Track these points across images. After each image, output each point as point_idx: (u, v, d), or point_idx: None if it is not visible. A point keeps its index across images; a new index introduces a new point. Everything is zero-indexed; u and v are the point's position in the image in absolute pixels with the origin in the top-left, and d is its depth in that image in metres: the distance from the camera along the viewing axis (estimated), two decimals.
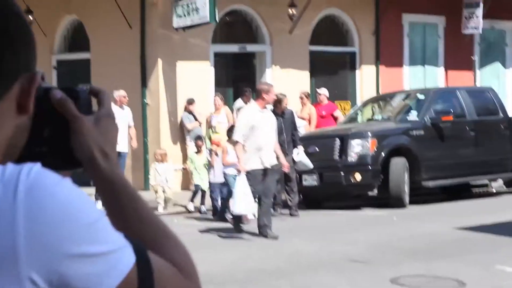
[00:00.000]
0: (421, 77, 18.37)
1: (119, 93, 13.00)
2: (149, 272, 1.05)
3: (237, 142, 9.33)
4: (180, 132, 14.85)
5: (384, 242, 9.28)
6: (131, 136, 13.29)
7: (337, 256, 8.36)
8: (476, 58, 18.78)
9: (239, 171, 9.44)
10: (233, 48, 15.97)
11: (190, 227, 10.95)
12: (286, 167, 10.13)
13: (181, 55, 14.90)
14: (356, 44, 17.57)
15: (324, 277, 7.37)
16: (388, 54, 17.76)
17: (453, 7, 18.28)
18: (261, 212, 9.47)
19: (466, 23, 18.32)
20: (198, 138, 13.13)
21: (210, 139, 13.43)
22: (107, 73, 15.44)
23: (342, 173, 12.15)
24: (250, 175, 9.21)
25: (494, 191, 13.61)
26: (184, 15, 14.09)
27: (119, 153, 11.47)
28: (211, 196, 11.80)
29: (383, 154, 12.29)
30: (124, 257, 1.02)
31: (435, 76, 18.65)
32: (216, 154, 11.70)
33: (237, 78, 16.42)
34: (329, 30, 17.42)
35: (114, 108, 11.16)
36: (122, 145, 12.19)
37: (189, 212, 12.46)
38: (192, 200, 12.59)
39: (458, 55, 18.66)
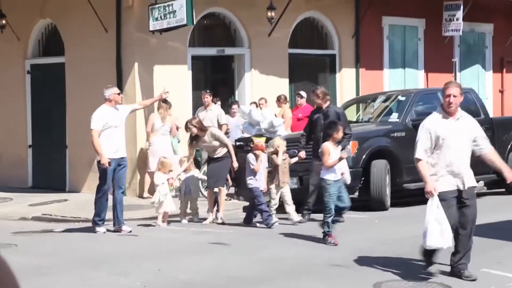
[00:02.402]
0: (401, 80, 18.26)
1: (113, 91, 11.03)
2: None
3: (419, 159, 7.27)
4: None
5: (366, 246, 9.10)
6: None
7: (319, 261, 8.15)
8: (456, 60, 18.69)
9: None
10: (211, 51, 15.74)
11: (175, 234, 10.69)
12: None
13: (158, 59, 14.65)
14: (335, 47, 17.41)
15: (306, 283, 7.15)
16: (368, 57, 17.62)
17: (433, 10, 18.20)
18: (459, 245, 7.32)
19: (446, 26, 18.26)
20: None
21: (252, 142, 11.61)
22: (82, 78, 15.18)
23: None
24: (444, 199, 7.17)
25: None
26: (161, 18, 13.84)
27: (122, 159, 10.78)
28: (256, 204, 10.77)
29: (364, 156, 12.12)
30: None
31: (415, 79, 18.54)
32: (261, 160, 10.86)
33: (216, 82, 16.20)
34: (309, 33, 17.26)
35: (106, 110, 10.45)
36: (123, 150, 10.89)
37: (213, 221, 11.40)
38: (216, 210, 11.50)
39: (438, 57, 18.57)
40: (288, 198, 11.14)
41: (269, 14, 15.53)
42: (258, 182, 10.81)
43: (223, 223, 11.15)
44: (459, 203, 7.26)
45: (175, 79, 14.70)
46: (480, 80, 20.03)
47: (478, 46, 20.11)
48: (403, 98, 13.51)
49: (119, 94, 11.34)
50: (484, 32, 20.12)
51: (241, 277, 7.44)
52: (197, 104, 15.36)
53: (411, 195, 13.40)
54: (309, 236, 9.98)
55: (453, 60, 18.60)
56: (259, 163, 10.79)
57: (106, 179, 10.60)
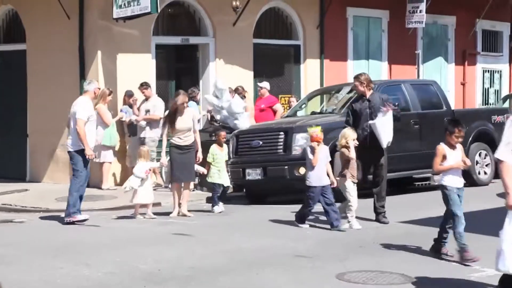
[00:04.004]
0: (365, 71, 18.27)
1: (96, 85, 11.24)
2: None
3: (501, 161, 5.87)
4: (119, 126, 14.45)
5: (329, 236, 9.14)
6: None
7: (282, 252, 8.16)
8: (419, 52, 18.85)
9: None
10: (175, 40, 15.63)
11: (139, 224, 10.62)
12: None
13: (122, 47, 14.51)
14: (300, 37, 17.42)
15: (269, 274, 7.15)
16: (332, 48, 17.67)
17: (397, 1, 18.32)
18: None
19: (409, 18, 18.40)
20: (223, 129, 12.01)
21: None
22: (44, 65, 14.97)
23: (286, 167, 11.96)
24: None
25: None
26: (125, 6, 13.70)
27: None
28: (307, 202, 9.70)
29: (328, 147, 12.11)
30: None
31: (379, 70, 18.65)
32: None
33: (180, 71, 16.11)
34: (273, 23, 17.24)
35: (89, 102, 10.51)
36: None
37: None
38: (214, 202, 11.40)
39: (402, 49, 18.70)
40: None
41: (234, 3, 15.49)
42: (317, 178, 9.58)
43: (184, 215, 11.08)
44: None
45: (138, 68, 14.59)
46: (443, 72, 20.23)
47: (440, 38, 20.29)
48: None
49: (99, 89, 11.74)
50: (447, 25, 20.31)
51: (204, 267, 7.42)
52: (161, 93, 15.26)
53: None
54: (276, 227, 10.00)
55: (416, 52, 18.75)
56: (316, 156, 9.56)
57: (87, 168, 10.75)
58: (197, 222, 10.53)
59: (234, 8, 15.51)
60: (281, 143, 12.17)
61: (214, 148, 11.51)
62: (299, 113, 14.40)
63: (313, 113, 13.98)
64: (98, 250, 8.41)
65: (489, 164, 14.23)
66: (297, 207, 11.71)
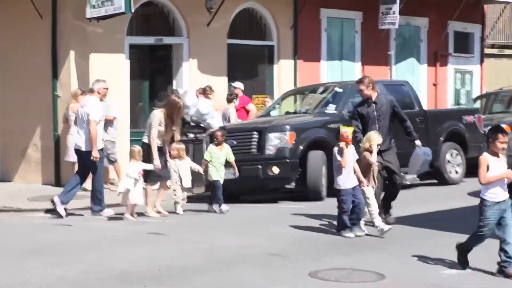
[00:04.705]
0: (338, 72, 18.45)
1: (102, 85, 11.69)
2: None
3: None
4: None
5: (302, 235, 9.19)
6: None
7: (256, 251, 8.19)
8: (392, 53, 19.00)
9: None
10: (149, 40, 15.60)
11: (112, 224, 10.59)
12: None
13: (95, 47, 14.45)
14: (274, 38, 17.48)
15: (242, 272, 7.19)
16: (306, 49, 17.75)
17: (370, 3, 18.45)
18: None
19: (382, 19, 18.54)
20: (220, 129, 11.89)
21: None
22: (16, 65, 14.87)
23: (259, 167, 12.02)
24: None
25: (408, 183, 13.70)
26: (98, 6, 13.65)
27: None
28: (341, 206, 9.07)
29: (301, 147, 12.23)
30: None
31: (352, 71, 18.76)
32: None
33: (154, 71, 16.07)
34: (248, 24, 17.28)
35: (99, 102, 11.03)
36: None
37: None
38: (212, 199, 11.31)
39: (375, 50, 18.84)
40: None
41: (208, 3, 15.48)
42: (346, 180, 9.02)
43: (159, 212, 11.08)
44: None
45: (112, 68, 14.53)
46: (415, 73, 20.40)
47: (413, 39, 20.47)
48: (340, 90, 13.66)
49: (106, 89, 11.94)
50: (419, 26, 20.49)
51: (179, 266, 7.43)
52: (135, 93, 15.23)
53: None
54: (250, 226, 10.03)
55: (389, 53, 18.91)
56: (345, 158, 8.97)
57: (101, 168, 11.18)
58: (172, 221, 10.54)
59: (208, 9, 15.52)
60: (255, 143, 12.23)
61: (212, 147, 11.49)
62: (273, 113, 14.47)
63: (287, 113, 14.06)
64: (72, 250, 8.38)
65: (460, 163, 14.41)
66: (271, 206, 11.76)
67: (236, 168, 11.48)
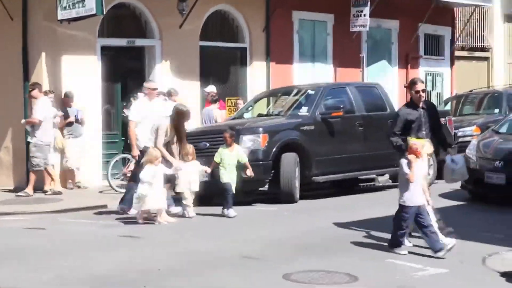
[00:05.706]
0: (310, 74, 18.52)
1: (147, 85, 11.99)
2: None
3: None
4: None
5: (276, 238, 9.21)
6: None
7: (230, 254, 8.20)
8: (363, 55, 19.13)
9: None
10: (121, 42, 15.53)
11: (86, 227, 10.52)
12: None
13: (66, 49, 14.36)
14: (246, 40, 17.50)
15: (217, 275, 7.20)
16: (278, 51, 17.81)
17: (341, 5, 18.56)
18: None
19: (354, 21, 18.68)
20: (228, 130, 11.35)
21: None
22: None
23: None
24: None
25: (381, 185, 13.85)
26: (69, 7, 13.56)
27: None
28: (400, 224, 8.20)
29: (274, 149, 12.24)
30: None
31: (324, 73, 18.84)
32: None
33: (126, 73, 16.00)
34: (220, 26, 17.28)
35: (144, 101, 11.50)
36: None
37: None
38: (228, 204, 10.92)
39: (347, 52, 18.95)
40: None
41: (180, 6, 15.46)
42: (413, 197, 8.10)
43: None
44: None
45: (83, 70, 14.46)
46: (387, 75, 20.56)
47: (384, 42, 20.63)
48: (313, 92, 13.71)
49: (154, 89, 11.81)
50: (390, 28, 20.66)
51: (154, 270, 7.41)
52: (106, 95, 15.15)
53: (319, 187, 13.66)
54: (224, 229, 10.02)
55: (360, 55, 19.03)
56: (413, 171, 8.09)
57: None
58: (145, 225, 10.49)
59: (180, 11, 15.50)
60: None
61: (221, 148, 11.26)
62: (246, 115, 14.48)
63: (259, 115, 14.07)
64: (44, 254, 8.31)
65: (431, 165, 14.53)
66: (244, 209, 11.75)
67: (250, 168, 11.26)
